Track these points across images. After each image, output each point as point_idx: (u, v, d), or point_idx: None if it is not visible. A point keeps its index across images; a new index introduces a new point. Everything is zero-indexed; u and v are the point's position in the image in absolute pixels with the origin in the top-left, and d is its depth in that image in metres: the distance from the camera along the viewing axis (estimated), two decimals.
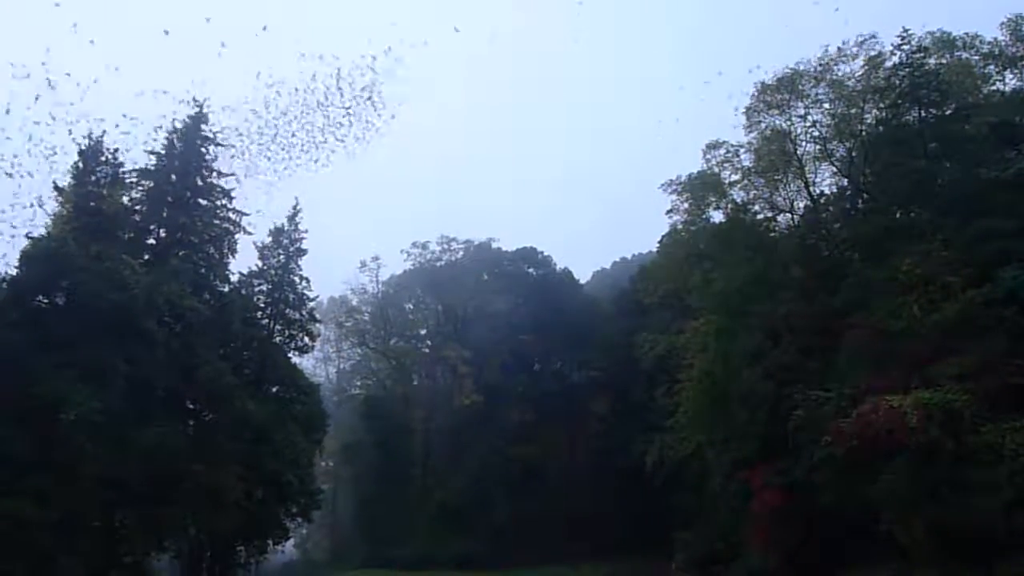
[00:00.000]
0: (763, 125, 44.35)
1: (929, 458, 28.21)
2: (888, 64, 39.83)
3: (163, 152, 45.02)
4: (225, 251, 46.87)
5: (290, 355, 51.15)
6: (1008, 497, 26.19)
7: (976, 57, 42.24)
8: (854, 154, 42.69)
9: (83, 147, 39.66)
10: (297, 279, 51.58)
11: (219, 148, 46.19)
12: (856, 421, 29.74)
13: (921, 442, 28.06)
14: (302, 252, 51.74)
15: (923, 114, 37.60)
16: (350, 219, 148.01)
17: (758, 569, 37.16)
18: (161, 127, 44.21)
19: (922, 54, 38.40)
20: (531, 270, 78.60)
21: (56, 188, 39.85)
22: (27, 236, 37.03)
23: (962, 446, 27.95)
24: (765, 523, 35.74)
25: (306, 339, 52.09)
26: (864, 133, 41.69)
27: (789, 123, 43.78)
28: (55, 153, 38.69)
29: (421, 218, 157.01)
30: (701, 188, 47.34)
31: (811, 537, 34.03)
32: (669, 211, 49.85)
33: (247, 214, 47.52)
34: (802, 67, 42.59)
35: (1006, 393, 28.10)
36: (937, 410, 28.08)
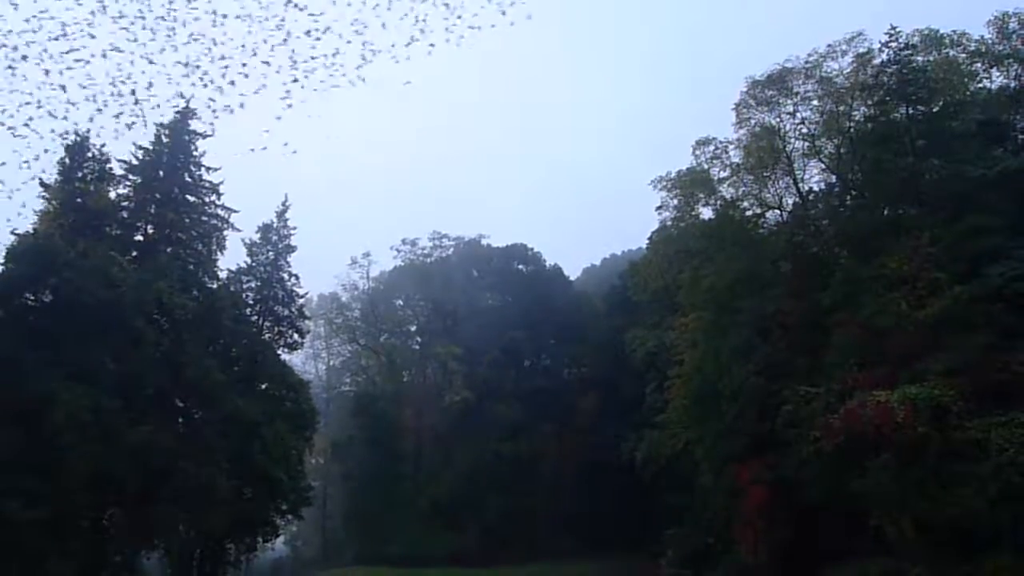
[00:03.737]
0: (752, 122, 44.49)
1: (916, 453, 28.47)
2: (876, 61, 39.97)
3: (151, 147, 44.66)
4: (213, 248, 46.62)
5: (280, 352, 50.89)
6: (994, 492, 26.47)
7: (963, 55, 42.35)
8: (842, 151, 42.84)
9: (69, 142, 39.21)
10: (286, 276, 51.39)
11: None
12: (844, 417, 29.97)
13: (908, 437, 28.31)
14: (291, 249, 51.59)
15: (911, 111, 37.76)
16: (340, 216, 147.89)
17: (748, 565, 37.35)
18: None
19: (910, 51, 38.54)
20: (521, 267, 78.71)
21: (42, 184, 39.20)
22: (12, 232, 36.66)
23: (949, 441, 28.22)
24: (754, 519, 35.95)
25: (296, 336, 51.90)
26: (852, 130, 41.81)
27: (778, 120, 43.96)
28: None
29: (411, 214, 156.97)
30: (691, 184, 47.49)
31: (800, 532, 34.24)
32: (659, 207, 50.20)
33: (236, 211, 47.37)
34: (791, 64, 42.75)
35: (992, 389, 28.43)
36: (924, 406, 28.32)
